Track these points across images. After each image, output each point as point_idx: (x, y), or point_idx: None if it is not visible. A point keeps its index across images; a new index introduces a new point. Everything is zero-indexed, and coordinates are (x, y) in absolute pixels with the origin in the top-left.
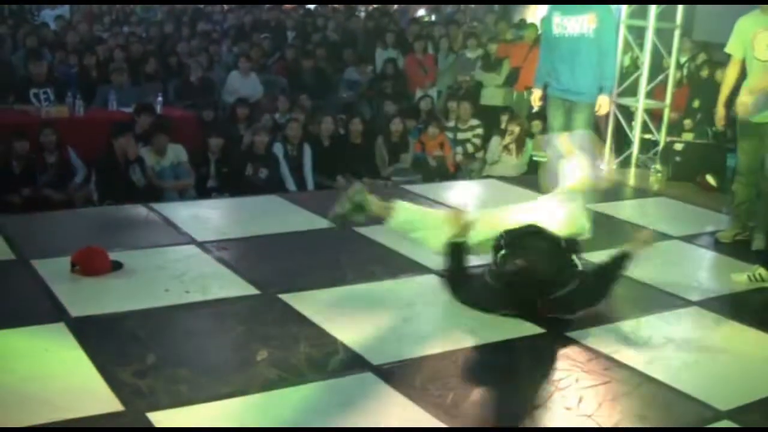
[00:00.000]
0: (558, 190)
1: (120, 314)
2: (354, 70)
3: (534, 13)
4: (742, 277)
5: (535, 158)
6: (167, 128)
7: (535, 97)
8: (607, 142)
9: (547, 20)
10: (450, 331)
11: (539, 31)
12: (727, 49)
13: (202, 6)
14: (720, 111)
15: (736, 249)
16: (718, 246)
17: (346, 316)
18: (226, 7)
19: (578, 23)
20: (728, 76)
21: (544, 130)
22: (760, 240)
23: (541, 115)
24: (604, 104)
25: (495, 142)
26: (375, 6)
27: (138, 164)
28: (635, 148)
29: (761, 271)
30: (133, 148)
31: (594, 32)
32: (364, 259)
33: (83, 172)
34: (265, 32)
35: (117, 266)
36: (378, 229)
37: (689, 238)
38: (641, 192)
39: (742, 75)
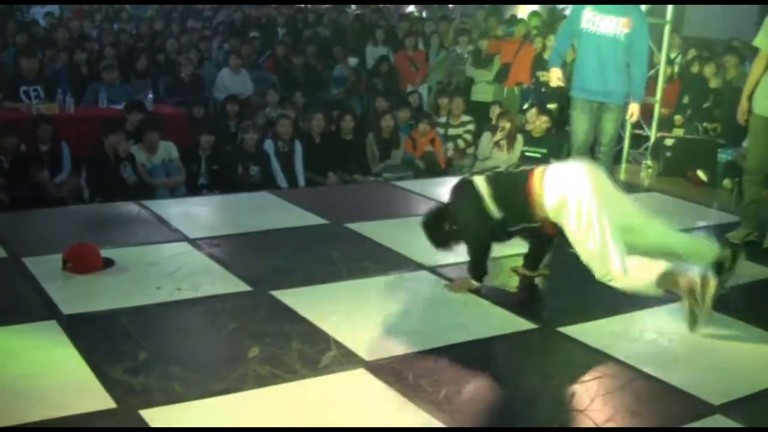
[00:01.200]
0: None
1: (112, 311)
2: (344, 66)
3: (524, 11)
4: None
5: (527, 154)
6: (159, 125)
7: (554, 76)
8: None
9: (575, 11)
10: (442, 327)
11: (528, 28)
12: (756, 43)
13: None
14: (743, 104)
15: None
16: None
17: (339, 313)
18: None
19: (612, 24)
20: (754, 70)
21: (559, 127)
22: None
23: (542, 107)
24: (635, 112)
25: (486, 138)
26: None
27: (129, 161)
28: (626, 144)
29: None
30: (124, 146)
31: (626, 37)
32: (356, 256)
33: (69, 169)
34: (256, 29)
35: (109, 263)
36: (369, 225)
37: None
38: (632, 187)
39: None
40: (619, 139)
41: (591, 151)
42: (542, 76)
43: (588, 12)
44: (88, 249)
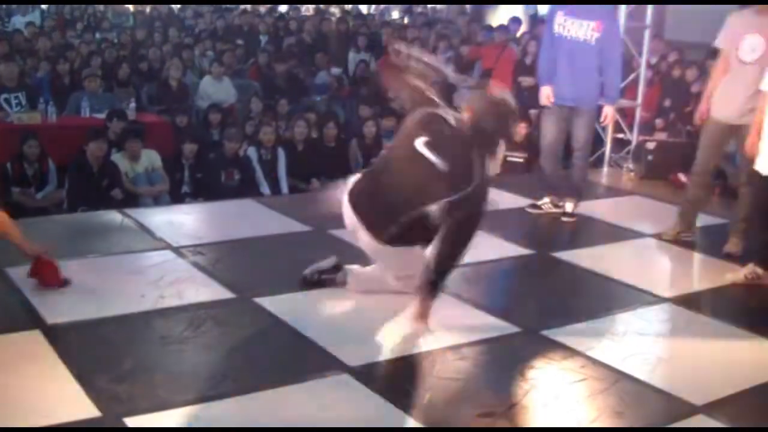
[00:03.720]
0: None
1: (96, 320)
2: (326, 73)
3: (506, 15)
4: (739, 275)
5: (509, 159)
6: (140, 134)
7: (544, 95)
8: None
9: (550, 16)
10: (426, 332)
11: (510, 33)
12: (717, 43)
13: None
14: (704, 105)
15: (710, 247)
16: (690, 244)
17: (322, 319)
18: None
19: (582, 28)
20: (715, 72)
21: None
22: (735, 244)
23: (523, 113)
24: (609, 115)
25: None
26: (347, 8)
27: (116, 179)
28: (607, 148)
29: (757, 269)
30: (102, 153)
31: (596, 41)
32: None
33: (54, 184)
34: (238, 37)
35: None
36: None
37: (662, 236)
38: (614, 191)
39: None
40: (601, 142)
41: (566, 157)
42: (523, 81)
43: (559, 16)
44: (46, 264)
